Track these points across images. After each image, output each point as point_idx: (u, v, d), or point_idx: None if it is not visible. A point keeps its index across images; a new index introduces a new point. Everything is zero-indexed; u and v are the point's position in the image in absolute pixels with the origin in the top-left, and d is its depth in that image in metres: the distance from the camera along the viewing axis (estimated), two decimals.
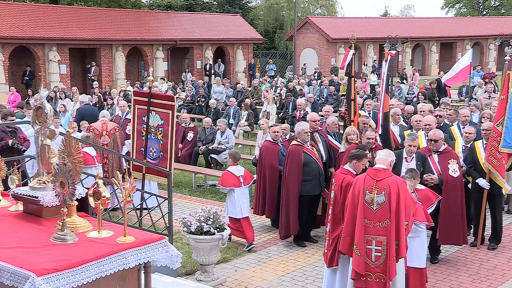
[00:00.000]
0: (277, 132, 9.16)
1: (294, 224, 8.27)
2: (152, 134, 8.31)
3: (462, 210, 7.65)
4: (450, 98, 20.14)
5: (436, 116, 9.87)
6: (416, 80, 25.75)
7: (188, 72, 32.27)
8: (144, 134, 8.32)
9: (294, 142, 8.52)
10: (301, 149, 8.32)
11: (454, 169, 7.59)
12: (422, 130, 8.97)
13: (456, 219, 7.51)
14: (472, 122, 10.56)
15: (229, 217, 7.75)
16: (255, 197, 9.22)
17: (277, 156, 8.95)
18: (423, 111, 10.43)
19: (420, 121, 9.30)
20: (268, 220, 9.41)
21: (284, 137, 9.67)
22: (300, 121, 15.12)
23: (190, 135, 13.87)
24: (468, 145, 8.58)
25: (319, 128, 9.19)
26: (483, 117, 10.31)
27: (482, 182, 8.06)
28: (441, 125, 9.58)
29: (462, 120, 9.79)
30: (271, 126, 9.79)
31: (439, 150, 7.74)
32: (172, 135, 8.14)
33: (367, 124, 9.55)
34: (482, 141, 8.38)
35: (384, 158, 6.02)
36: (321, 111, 13.26)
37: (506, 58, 8.10)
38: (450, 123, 9.94)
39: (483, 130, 8.54)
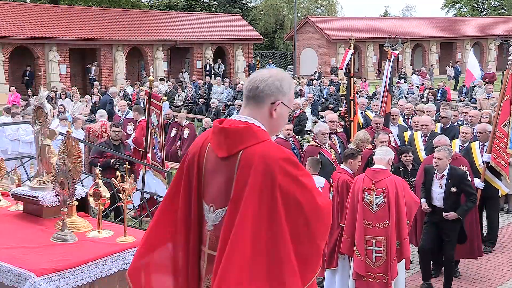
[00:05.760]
0: (290, 130, 9.24)
1: None
2: (156, 134, 8.55)
3: (476, 221, 7.32)
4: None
5: (440, 117, 9.86)
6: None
7: (185, 72, 32.24)
8: (154, 133, 8.57)
9: (312, 142, 8.49)
10: (318, 150, 8.23)
11: None
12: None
13: (471, 232, 7.06)
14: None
15: None
16: None
17: None
18: (430, 112, 10.40)
19: (418, 122, 9.29)
20: None
21: None
22: (294, 120, 15.19)
23: (186, 132, 13.88)
24: (465, 145, 8.55)
25: (337, 130, 9.16)
26: (482, 117, 10.29)
27: (477, 182, 7.95)
28: (447, 126, 9.56)
29: (468, 119, 9.77)
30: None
31: None
32: (162, 135, 8.51)
33: (379, 124, 9.47)
34: (479, 142, 8.29)
35: (381, 157, 6.00)
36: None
37: (510, 58, 8.02)
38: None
39: (477, 132, 8.44)
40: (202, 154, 2.83)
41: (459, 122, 10.34)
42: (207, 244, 2.81)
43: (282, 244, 2.58)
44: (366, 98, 17.76)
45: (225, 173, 2.72)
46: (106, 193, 4.00)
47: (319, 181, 6.92)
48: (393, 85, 21.71)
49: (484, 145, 8.14)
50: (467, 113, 10.53)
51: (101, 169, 4.27)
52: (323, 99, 21.48)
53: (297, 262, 2.61)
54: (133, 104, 17.04)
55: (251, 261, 2.54)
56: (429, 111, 10.44)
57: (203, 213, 2.83)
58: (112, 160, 8.60)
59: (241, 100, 2.79)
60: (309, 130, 15.59)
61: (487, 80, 23.68)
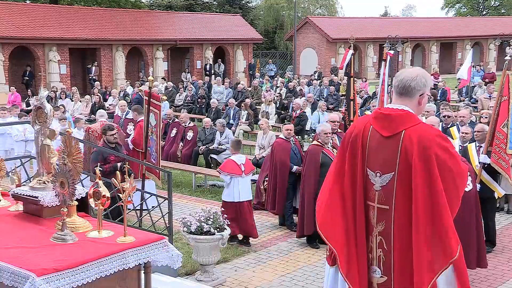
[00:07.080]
0: (290, 130, 9.25)
1: (308, 224, 8.13)
2: (153, 135, 8.51)
3: (478, 229, 7.05)
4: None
5: (444, 116, 9.84)
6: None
7: (188, 72, 32.25)
8: (151, 134, 8.56)
9: (314, 142, 8.53)
10: (320, 150, 8.26)
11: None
12: None
13: (469, 239, 6.76)
14: (472, 123, 10.56)
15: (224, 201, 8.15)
16: (267, 192, 9.28)
17: (289, 153, 9.00)
18: (428, 112, 10.40)
19: None
20: (274, 219, 9.46)
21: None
22: (294, 120, 15.19)
23: (189, 134, 13.89)
24: (465, 145, 8.51)
25: (338, 130, 9.16)
26: (481, 117, 10.29)
27: None
28: (449, 126, 9.53)
29: (459, 120, 9.78)
30: (285, 124, 9.91)
31: None
32: (159, 135, 8.48)
33: None
34: (475, 144, 8.25)
35: None
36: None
37: (506, 58, 7.99)
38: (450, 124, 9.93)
39: (475, 131, 8.39)
40: (365, 134, 3.71)
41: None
42: (375, 201, 3.69)
43: (441, 205, 3.50)
44: (366, 98, 17.73)
45: (389, 148, 3.59)
46: (106, 193, 4.00)
47: (240, 159, 8.26)
48: (392, 85, 21.75)
49: (481, 146, 8.08)
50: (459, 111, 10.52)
51: (101, 171, 4.26)
52: (323, 99, 21.47)
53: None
54: (133, 104, 17.05)
55: (427, 226, 3.51)
56: (428, 111, 10.44)
57: (368, 178, 3.71)
58: (118, 164, 8.52)
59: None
60: (308, 130, 15.59)
61: (487, 80, 23.69)
